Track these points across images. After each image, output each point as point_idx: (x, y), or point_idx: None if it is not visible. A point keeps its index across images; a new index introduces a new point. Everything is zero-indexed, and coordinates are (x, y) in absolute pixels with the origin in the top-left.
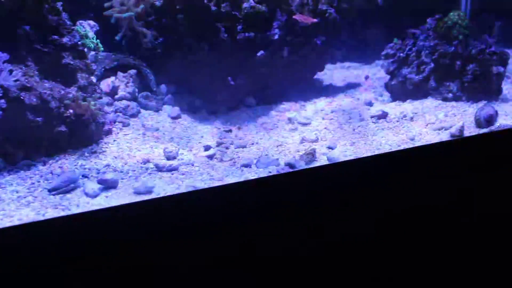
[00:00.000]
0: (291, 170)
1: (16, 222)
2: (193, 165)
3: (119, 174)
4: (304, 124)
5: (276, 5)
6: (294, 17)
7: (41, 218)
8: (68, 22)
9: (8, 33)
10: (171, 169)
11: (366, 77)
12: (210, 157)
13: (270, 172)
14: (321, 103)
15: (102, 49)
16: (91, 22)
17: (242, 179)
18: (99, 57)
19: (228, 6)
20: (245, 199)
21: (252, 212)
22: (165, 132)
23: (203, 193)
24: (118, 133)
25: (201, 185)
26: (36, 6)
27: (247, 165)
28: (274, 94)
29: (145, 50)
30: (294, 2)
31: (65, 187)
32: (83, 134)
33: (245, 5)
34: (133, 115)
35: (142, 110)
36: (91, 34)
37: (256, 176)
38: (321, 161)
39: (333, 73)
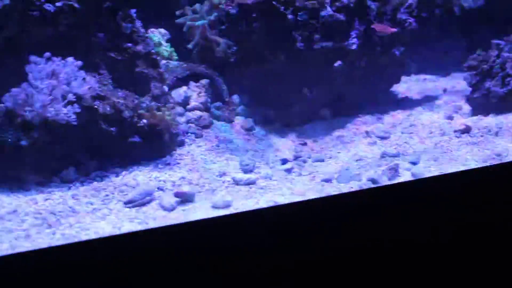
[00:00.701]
0: (374, 185)
1: (92, 236)
2: (271, 179)
3: (195, 187)
4: (383, 138)
5: (354, 13)
6: (372, 26)
7: (117, 231)
8: (142, 30)
9: (82, 40)
10: (249, 183)
11: (444, 90)
12: (288, 171)
13: (351, 187)
14: (399, 116)
15: (176, 57)
16: (162, 30)
17: (323, 195)
18: (170, 66)
19: (305, 15)
20: (328, 215)
21: (335, 228)
22: (239, 144)
23: (285, 208)
24: (191, 144)
25: (282, 200)
26: (110, 13)
27: (327, 180)
28: (349, 106)
29: (218, 59)
30: (372, 11)
31: (141, 200)
32: (157, 145)
33: (323, 13)
34: (206, 126)
35: (214, 121)
36: (163, 42)
37: (338, 192)
38: (405, 176)
39: (409, 86)
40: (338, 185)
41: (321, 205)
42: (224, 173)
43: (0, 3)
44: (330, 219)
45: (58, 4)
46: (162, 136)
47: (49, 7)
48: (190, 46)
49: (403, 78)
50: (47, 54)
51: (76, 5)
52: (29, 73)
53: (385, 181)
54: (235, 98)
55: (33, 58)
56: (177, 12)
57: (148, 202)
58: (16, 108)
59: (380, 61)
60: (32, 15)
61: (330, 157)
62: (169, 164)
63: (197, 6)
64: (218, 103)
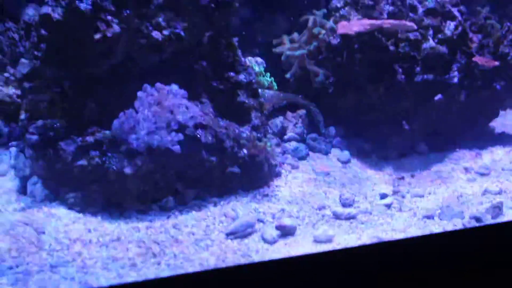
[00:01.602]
0: (477, 224)
1: (197, 268)
2: (371, 213)
3: (295, 220)
4: (483, 175)
5: (456, 46)
6: (474, 59)
7: (223, 264)
8: (243, 59)
9: (186, 68)
10: (350, 217)
11: None
12: (388, 206)
13: (455, 225)
14: (499, 152)
15: (276, 87)
16: (259, 59)
17: (426, 232)
18: (267, 95)
19: (407, 46)
20: (432, 253)
21: (440, 268)
22: (336, 177)
23: (389, 245)
24: (287, 175)
25: (384, 236)
26: (213, 41)
27: (429, 217)
28: (447, 140)
29: (315, 89)
30: (474, 43)
31: (243, 232)
32: (256, 176)
33: (424, 46)
34: (302, 158)
35: (310, 153)
36: (262, 70)
37: (441, 229)
38: (509, 215)
39: (505, 120)
40: (441, 222)
41: (425, 243)
42: (323, 206)
43: (111, 30)
44: (434, 258)
45: (165, 32)
46: (262, 167)
47: (156, 35)
48: (288, 75)
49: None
50: (158, 84)
51: (182, 33)
52: (137, 100)
53: (489, 220)
54: (332, 129)
55: (146, 86)
56: (274, 41)
57: (250, 234)
58: (122, 135)
59: (481, 95)
60: (139, 43)
61: (429, 193)
62: (267, 195)
63: (295, 35)
64: (314, 134)
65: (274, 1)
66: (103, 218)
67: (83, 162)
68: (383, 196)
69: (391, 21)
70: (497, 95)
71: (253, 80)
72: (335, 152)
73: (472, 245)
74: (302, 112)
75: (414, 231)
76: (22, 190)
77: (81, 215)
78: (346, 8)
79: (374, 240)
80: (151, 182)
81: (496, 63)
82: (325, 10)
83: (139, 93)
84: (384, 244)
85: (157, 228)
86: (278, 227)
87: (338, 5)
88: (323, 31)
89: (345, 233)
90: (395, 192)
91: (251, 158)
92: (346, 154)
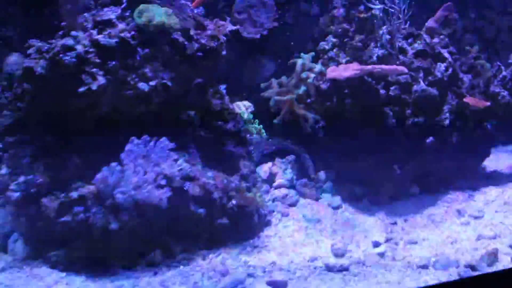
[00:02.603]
0: (473, 273)
1: None
2: (364, 264)
3: (286, 273)
4: (476, 218)
5: (447, 87)
6: (465, 100)
7: None
8: (231, 106)
9: (173, 118)
10: (342, 269)
11: None
12: (381, 254)
13: (450, 275)
14: (492, 192)
15: (264, 134)
16: (246, 103)
17: (421, 284)
18: (255, 141)
19: (397, 90)
20: None
21: None
22: (327, 224)
23: None
24: (277, 224)
25: None
26: (201, 90)
27: (424, 266)
28: (439, 182)
29: (304, 134)
30: (465, 83)
31: None
32: (245, 227)
33: (415, 88)
34: (292, 204)
35: (300, 199)
36: (251, 117)
37: (436, 280)
38: (505, 262)
39: (498, 158)
40: (436, 272)
41: None
42: (315, 258)
43: (96, 83)
44: None
45: (152, 83)
46: (251, 218)
47: (143, 86)
48: (276, 121)
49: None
50: (144, 136)
51: (169, 83)
52: (123, 152)
53: (484, 268)
54: (322, 174)
55: (133, 139)
56: (262, 85)
57: None
58: (107, 189)
59: (472, 136)
60: (125, 94)
61: (423, 239)
62: (257, 246)
63: (283, 79)
64: (304, 180)
65: (261, 44)
66: (87, 277)
67: (66, 218)
68: (376, 244)
69: (382, 66)
70: (489, 135)
71: (242, 128)
72: (326, 197)
73: None
74: (291, 157)
75: (410, 284)
76: (2, 248)
77: (64, 274)
78: (335, 50)
79: None
80: (138, 238)
81: (487, 103)
82: (313, 53)
83: (126, 146)
84: None
85: (143, 287)
86: (269, 283)
87: (326, 47)
88: (312, 75)
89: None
90: (388, 239)
91: (240, 209)
92: (337, 199)
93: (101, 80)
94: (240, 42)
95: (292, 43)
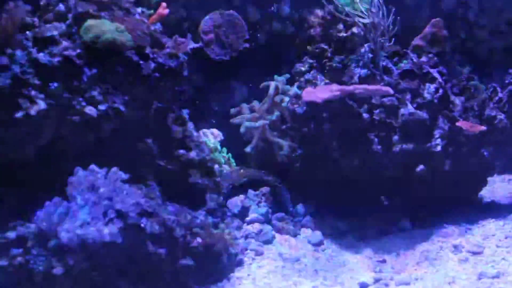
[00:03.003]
0: None
1: None
2: None
3: None
4: (475, 253)
5: (437, 110)
6: (457, 124)
7: None
8: (195, 133)
9: (128, 147)
10: None
11: None
12: None
13: None
14: (491, 226)
15: (234, 164)
16: (215, 131)
17: None
18: (224, 172)
19: (382, 113)
20: None
21: None
22: (307, 264)
23: None
24: (250, 263)
25: None
26: (160, 115)
27: None
28: (432, 215)
29: (280, 163)
30: (457, 106)
31: None
32: (213, 268)
33: (402, 111)
34: (267, 241)
35: (277, 235)
36: (217, 145)
37: None
38: None
39: (494, 188)
40: None
41: None
42: None
43: (35, 108)
44: None
45: (101, 107)
46: (219, 258)
47: (91, 111)
48: (248, 149)
49: None
50: (92, 166)
51: (121, 108)
52: (68, 186)
53: None
54: (300, 208)
55: (78, 169)
56: (232, 111)
57: None
58: (50, 228)
59: (467, 163)
60: (70, 120)
61: (416, 279)
62: None
63: (255, 103)
64: (280, 214)
65: (231, 66)
66: None
67: (3, 262)
68: (363, 286)
69: (364, 86)
70: (485, 163)
71: (207, 157)
72: (305, 233)
73: None
74: (265, 189)
75: None
76: None
77: None
78: (312, 72)
79: None
80: (87, 283)
81: (483, 127)
82: (287, 75)
83: (70, 178)
84: None
85: None
86: None
87: (303, 69)
88: (286, 99)
89: None
90: (376, 280)
91: (206, 249)
92: (318, 234)
93: (41, 104)
94: (207, 63)
95: (264, 65)
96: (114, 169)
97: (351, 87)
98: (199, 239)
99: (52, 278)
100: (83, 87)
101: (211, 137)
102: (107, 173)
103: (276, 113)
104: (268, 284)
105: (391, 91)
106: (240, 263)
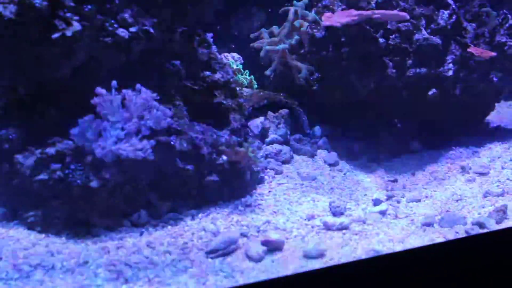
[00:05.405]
0: (481, 230)
1: None
2: (365, 222)
3: (282, 232)
4: (481, 174)
5: (450, 36)
6: (469, 50)
7: (202, 287)
8: (220, 56)
9: (156, 68)
10: (342, 228)
11: None
12: (382, 213)
13: (457, 232)
14: (497, 149)
15: (256, 86)
16: (235, 55)
17: (426, 242)
18: (245, 94)
19: (397, 38)
20: (435, 265)
21: (444, 280)
22: (324, 182)
23: (388, 259)
24: (271, 182)
25: (381, 248)
26: (186, 38)
27: (428, 224)
28: (441, 138)
29: (298, 86)
30: (469, 33)
31: (225, 249)
32: (237, 185)
33: (417, 36)
34: (286, 161)
35: (295, 155)
36: (240, 68)
37: (442, 238)
38: None
39: (500, 113)
40: (442, 229)
41: (427, 255)
42: (312, 216)
43: (71, 29)
44: (437, 270)
45: (132, 29)
46: (243, 175)
47: (123, 32)
48: (268, 72)
49: None
50: (114, 83)
51: (151, 30)
52: (98, 105)
53: (493, 225)
54: (317, 129)
55: (100, 90)
56: (252, 35)
57: (233, 251)
58: (86, 145)
59: (477, 88)
60: (103, 42)
61: (426, 196)
62: (250, 205)
63: (274, 28)
64: (298, 135)
65: None
66: (68, 238)
67: (43, 176)
68: (377, 202)
69: (381, 11)
70: (494, 88)
71: (231, 79)
72: (321, 153)
73: (477, 254)
74: (284, 111)
75: (414, 241)
76: None
77: (43, 235)
78: None
79: (371, 254)
80: (121, 196)
81: (493, 53)
82: (306, 1)
83: (100, 98)
84: (381, 258)
85: (129, 248)
86: (264, 243)
87: None
88: (306, 24)
89: (338, 246)
90: (389, 197)
91: (232, 166)
92: (333, 155)
93: (77, 25)
94: None
95: None
96: (145, 89)
97: (369, 12)
98: (224, 157)
99: (89, 190)
100: (115, 10)
101: (232, 60)
102: (139, 92)
103: (296, 37)
104: (288, 200)
105: (408, 17)
106: (261, 181)
